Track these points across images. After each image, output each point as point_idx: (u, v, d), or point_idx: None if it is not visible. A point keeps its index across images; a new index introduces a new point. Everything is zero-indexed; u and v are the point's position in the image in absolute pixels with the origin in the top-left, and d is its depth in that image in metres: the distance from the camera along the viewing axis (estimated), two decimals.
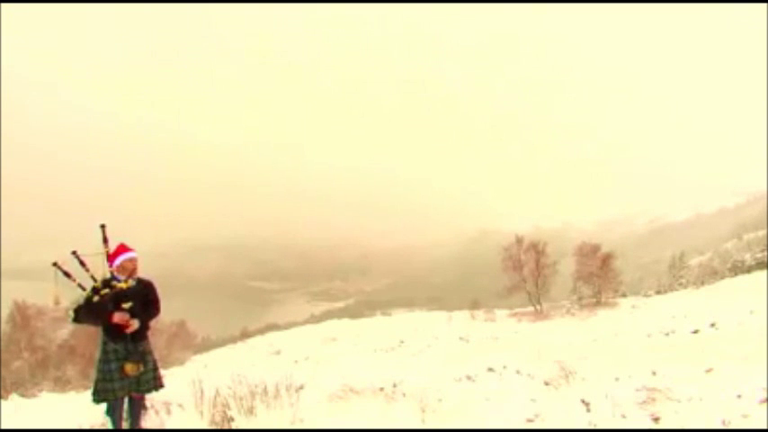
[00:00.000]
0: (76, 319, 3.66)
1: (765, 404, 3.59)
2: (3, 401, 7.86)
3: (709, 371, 4.99)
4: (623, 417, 3.81)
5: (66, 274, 3.59)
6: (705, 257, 73.86)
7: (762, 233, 79.61)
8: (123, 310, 3.64)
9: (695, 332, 12.47)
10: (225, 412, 4.25)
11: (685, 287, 31.10)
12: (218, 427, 4.16)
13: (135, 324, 3.67)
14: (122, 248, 3.79)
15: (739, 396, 3.83)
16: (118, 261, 3.72)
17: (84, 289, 3.64)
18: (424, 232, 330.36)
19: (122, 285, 3.68)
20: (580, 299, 29.79)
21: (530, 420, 4.03)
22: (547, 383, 5.43)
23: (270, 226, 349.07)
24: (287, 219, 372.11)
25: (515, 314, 30.25)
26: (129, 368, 3.61)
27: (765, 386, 3.86)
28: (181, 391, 4.71)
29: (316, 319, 54.21)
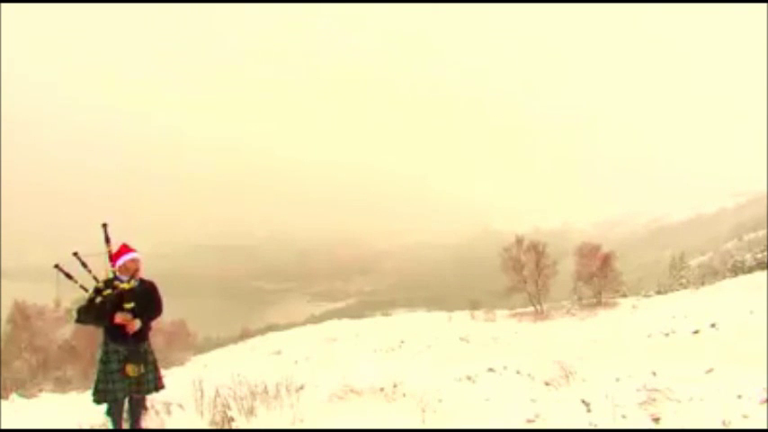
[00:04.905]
0: (79, 320, 3.67)
1: (766, 404, 3.59)
2: (3, 401, 7.86)
3: (709, 371, 4.99)
4: (623, 417, 3.81)
5: (68, 276, 3.59)
6: (705, 257, 73.93)
7: (762, 233, 79.72)
8: (125, 310, 3.64)
9: (695, 332, 12.46)
10: (225, 412, 4.26)
11: (686, 287, 31.05)
12: (219, 428, 4.17)
13: (137, 324, 3.66)
14: (125, 249, 3.79)
15: (739, 396, 3.82)
16: (120, 261, 3.72)
17: (86, 290, 3.64)
18: (424, 232, 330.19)
19: (125, 286, 3.68)
20: (580, 299, 29.78)
21: (530, 421, 4.03)
22: (547, 383, 5.44)
23: (270, 226, 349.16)
24: (287, 219, 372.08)
25: (515, 314, 30.25)
26: (130, 369, 3.61)
27: (766, 386, 3.86)
28: (181, 392, 4.72)
29: (316, 320, 54.10)
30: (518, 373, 6.07)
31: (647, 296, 31.00)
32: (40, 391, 18.05)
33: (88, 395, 4.12)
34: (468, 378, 5.81)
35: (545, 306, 30.27)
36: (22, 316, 25.22)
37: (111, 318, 3.60)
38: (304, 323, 45.04)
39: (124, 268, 3.72)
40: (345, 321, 32.90)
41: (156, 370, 3.86)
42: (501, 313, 31.06)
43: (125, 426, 3.84)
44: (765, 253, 33.47)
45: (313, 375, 6.31)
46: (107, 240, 3.72)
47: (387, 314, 46.02)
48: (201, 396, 4.50)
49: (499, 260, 31.98)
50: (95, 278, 3.67)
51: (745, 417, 3.47)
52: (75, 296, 4.16)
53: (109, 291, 3.61)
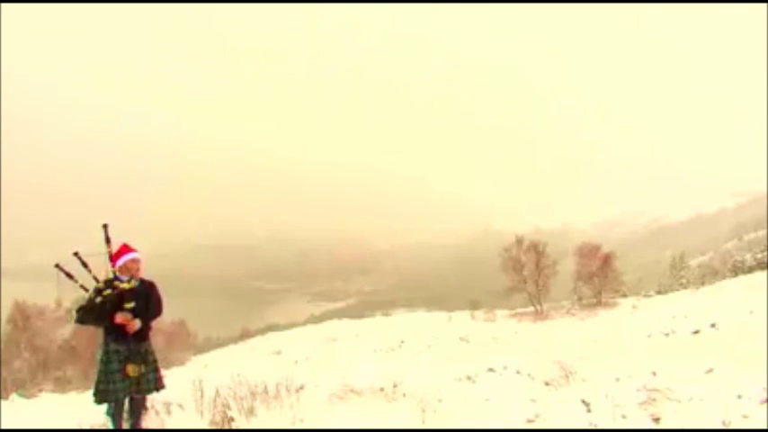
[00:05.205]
0: (79, 320, 3.67)
1: (766, 404, 3.59)
2: (3, 401, 7.88)
3: (709, 371, 4.98)
4: (623, 417, 3.80)
5: (69, 276, 3.60)
6: (705, 257, 74.00)
7: (762, 233, 79.84)
8: (125, 310, 3.64)
9: (695, 332, 12.47)
10: (225, 412, 4.26)
11: (686, 287, 31.07)
12: (219, 428, 4.17)
13: (137, 324, 3.67)
14: (125, 249, 3.79)
15: (739, 396, 3.82)
16: (121, 261, 3.73)
17: (86, 290, 3.65)
18: (424, 232, 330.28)
19: (125, 286, 3.69)
20: (580, 299, 29.79)
21: (530, 421, 4.03)
22: (547, 383, 5.44)
23: (269, 225, 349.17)
24: (287, 219, 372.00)
25: (515, 314, 30.27)
26: (131, 369, 3.61)
27: (766, 386, 3.85)
28: (181, 392, 4.72)
29: (316, 320, 54.14)
30: (518, 373, 6.06)
31: (647, 296, 31.01)
32: (40, 391, 18.06)
33: (88, 395, 4.13)
34: (468, 378, 5.81)
35: (545, 306, 30.28)
36: (22, 316, 25.23)
37: (112, 318, 3.60)
38: (304, 323, 45.07)
39: (124, 268, 3.73)
40: (345, 321, 32.93)
41: (157, 370, 3.86)
42: (501, 313, 31.07)
43: (125, 426, 3.84)
44: (765, 253, 33.43)
45: (313, 375, 6.31)
46: (107, 241, 3.72)
47: (387, 314, 46.08)
48: (201, 396, 4.50)
49: (499, 260, 32.02)
50: (96, 278, 3.67)
51: (745, 417, 3.46)
52: (75, 296, 4.16)
53: (109, 291, 3.62)
